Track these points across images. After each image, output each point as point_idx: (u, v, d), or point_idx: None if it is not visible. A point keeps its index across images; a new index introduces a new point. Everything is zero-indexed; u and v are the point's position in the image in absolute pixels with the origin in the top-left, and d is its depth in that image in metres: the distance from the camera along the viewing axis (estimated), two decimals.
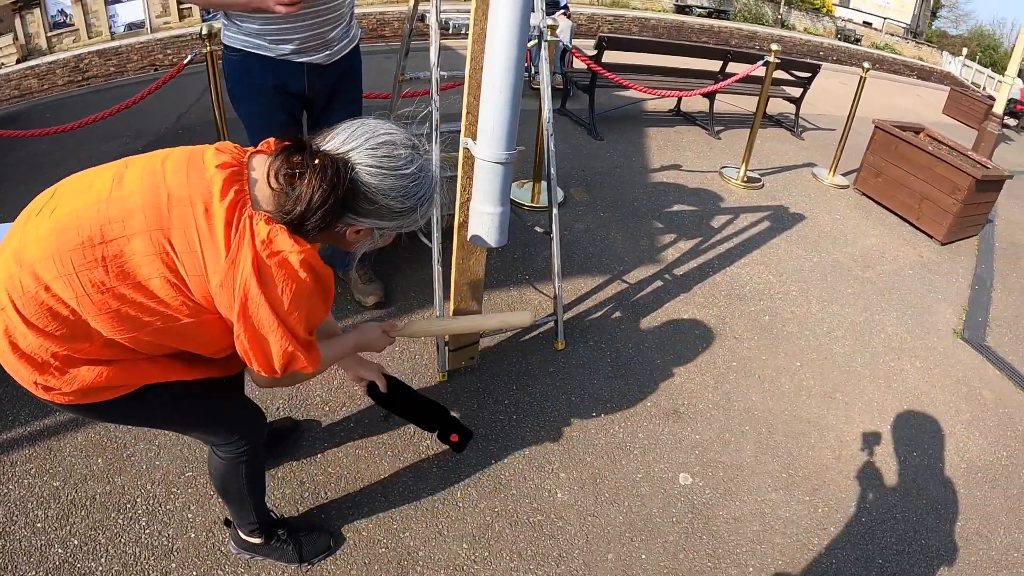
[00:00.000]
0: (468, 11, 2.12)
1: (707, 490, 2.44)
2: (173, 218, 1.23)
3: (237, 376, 1.89)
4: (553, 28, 3.72)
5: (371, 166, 1.30)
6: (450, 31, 2.40)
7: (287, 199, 1.27)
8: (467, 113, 2.16)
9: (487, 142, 1.95)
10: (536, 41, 2.69)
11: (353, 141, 1.31)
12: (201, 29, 3.11)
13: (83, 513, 2.09)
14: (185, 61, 3.34)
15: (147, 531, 2.04)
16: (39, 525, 2.04)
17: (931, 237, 4.92)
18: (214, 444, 1.71)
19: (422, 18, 2.66)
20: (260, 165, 1.33)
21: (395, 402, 2.09)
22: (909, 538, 2.42)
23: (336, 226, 1.33)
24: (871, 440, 2.82)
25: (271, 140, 1.43)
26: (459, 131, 2.25)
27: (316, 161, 1.26)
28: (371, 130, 1.33)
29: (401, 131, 1.37)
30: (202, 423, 1.63)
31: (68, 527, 2.04)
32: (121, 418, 1.57)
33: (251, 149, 1.38)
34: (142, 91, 3.31)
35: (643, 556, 2.17)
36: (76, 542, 2.00)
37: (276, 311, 1.29)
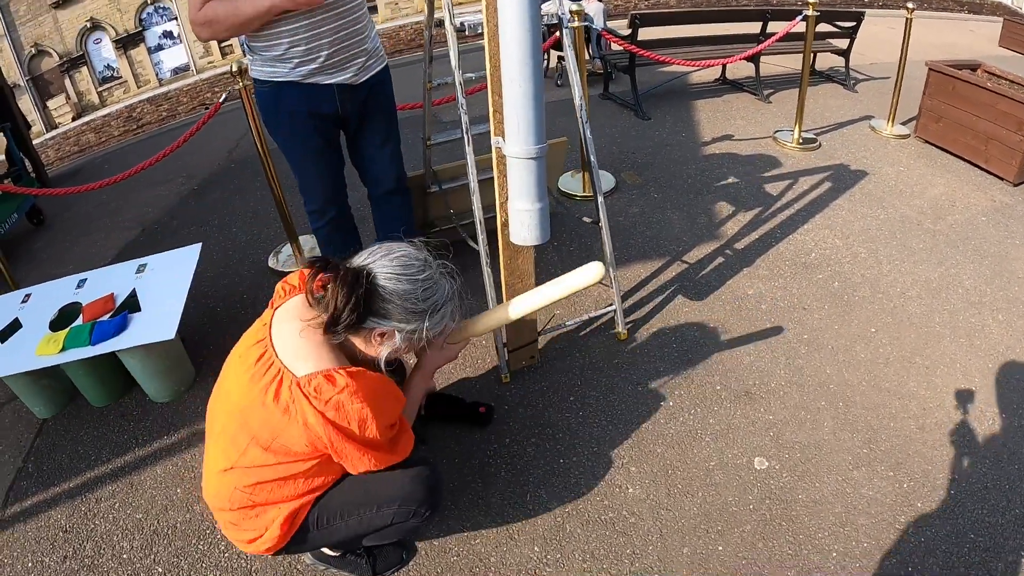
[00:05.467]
0: (481, 10, 2.09)
1: (784, 473, 2.34)
2: (254, 427, 1.55)
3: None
4: (578, 13, 3.66)
5: (388, 271, 1.54)
6: (466, 32, 2.38)
7: (318, 306, 1.53)
8: (494, 112, 2.12)
9: (514, 138, 1.91)
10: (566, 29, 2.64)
11: (372, 256, 1.58)
12: (232, 66, 3.16)
13: (165, 542, 2.17)
14: (220, 101, 3.42)
15: (226, 555, 2.10)
16: (125, 556, 2.13)
17: (1002, 179, 4.61)
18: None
19: (440, 24, 2.64)
20: (294, 305, 1.64)
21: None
22: (1002, 508, 2.23)
23: (363, 329, 1.56)
24: (955, 404, 2.64)
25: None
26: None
27: (340, 272, 1.52)
28: (389, 248, 1.60)
29: (417, 250, 1.62)
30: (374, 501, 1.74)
31: (152, 556, 2.13)
32: (316, 541, 1.77)
33: (285, 301, 1.67)
34: (182, 135, 3.39)
35: (720, 548, 2.09)
36: (160, 570, 2.08)
37: (357, 443, 1.55)
